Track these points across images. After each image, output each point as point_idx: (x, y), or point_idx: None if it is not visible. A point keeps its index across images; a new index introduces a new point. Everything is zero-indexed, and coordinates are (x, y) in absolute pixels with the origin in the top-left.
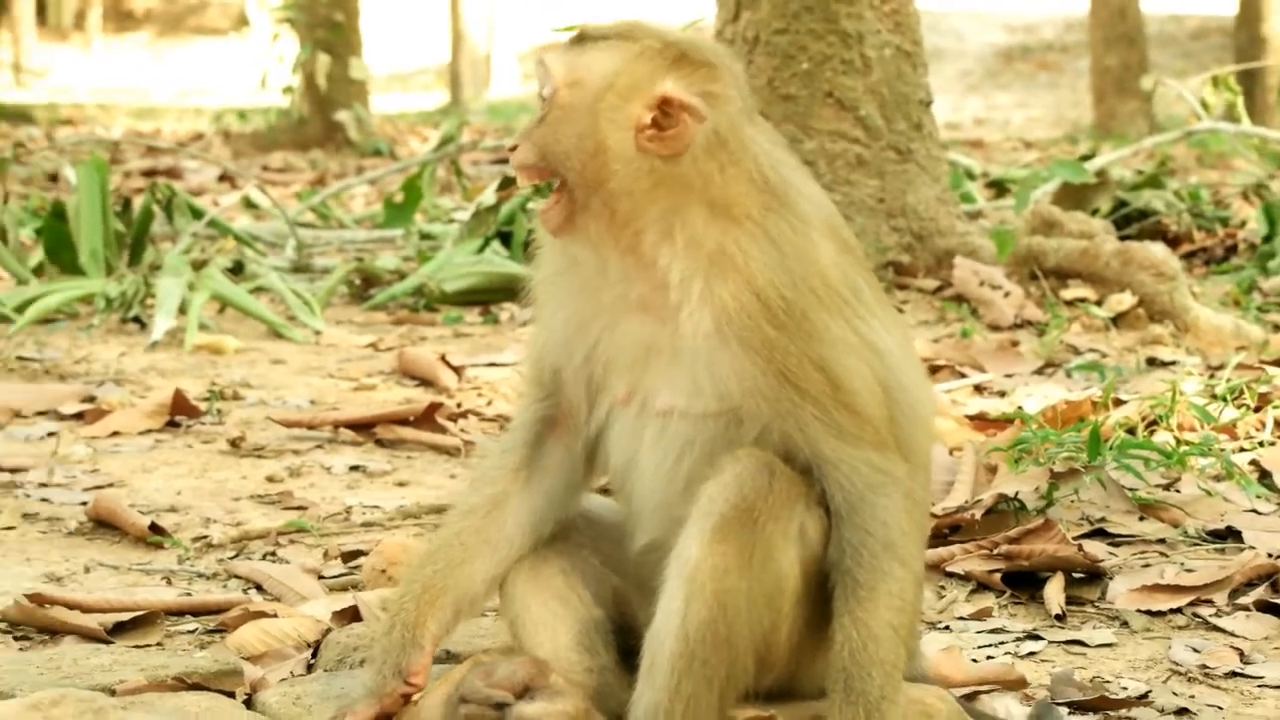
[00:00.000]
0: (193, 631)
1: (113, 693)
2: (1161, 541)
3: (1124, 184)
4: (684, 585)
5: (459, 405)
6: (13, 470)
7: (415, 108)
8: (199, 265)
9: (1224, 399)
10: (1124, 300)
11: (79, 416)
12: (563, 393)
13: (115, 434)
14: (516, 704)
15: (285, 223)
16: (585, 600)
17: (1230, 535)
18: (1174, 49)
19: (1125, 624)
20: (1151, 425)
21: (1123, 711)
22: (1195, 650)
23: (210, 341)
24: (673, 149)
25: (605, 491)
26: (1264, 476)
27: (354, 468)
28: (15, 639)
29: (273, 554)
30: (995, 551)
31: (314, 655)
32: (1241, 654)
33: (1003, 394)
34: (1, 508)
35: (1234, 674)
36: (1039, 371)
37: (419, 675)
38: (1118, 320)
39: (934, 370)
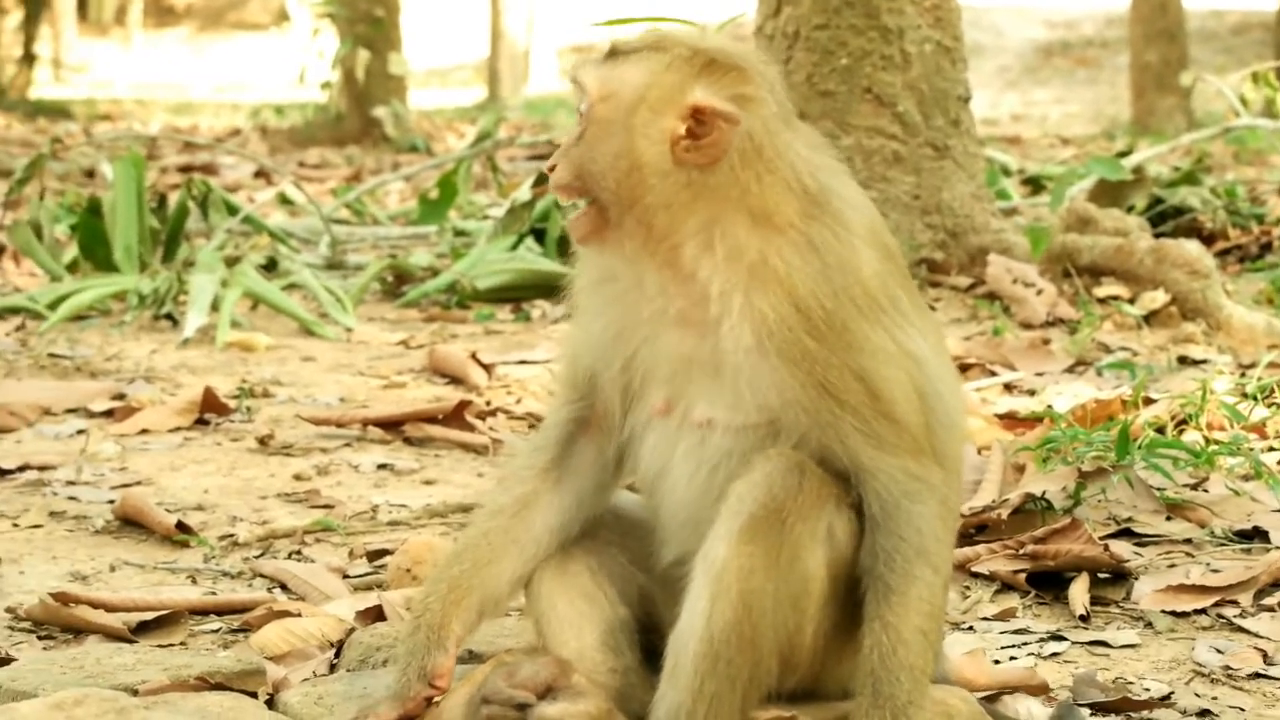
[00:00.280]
0: (216, 631)
1: (135, 692)
2: (1188, 542)
3: (1160, 181)
4: (710, 585)
5: (488, 403)
6: (41, 468)
7: (453, 103)
8: (232, 262)
9: (1255, 398)
10: (1157, 298)
11: (109, 414)
12: (597, 396)
13: (144, 432)
14: (538, 705)
15: (320, 219)
16: (611, 599)
17: (1257, 535)
18: (1215, 44)
19: (1149, 625)
20: (1181, 424)
21: (1145, 713)
22: (1219, 651)
23: (242, 339)
24: (710, 157)
25: (633, 488)
26: None
27: (382, 466)
28: (39, 638)
29: (298, 553)
30: (1021, 551)
31: (337, 655)
32: (1265, 655)
33: (1033, 392)
34: (29, 506)
35: (1257, 675)
36: (1070, 370)
37: (444, 678)
38: (1150, 318)
39: (964, 368)
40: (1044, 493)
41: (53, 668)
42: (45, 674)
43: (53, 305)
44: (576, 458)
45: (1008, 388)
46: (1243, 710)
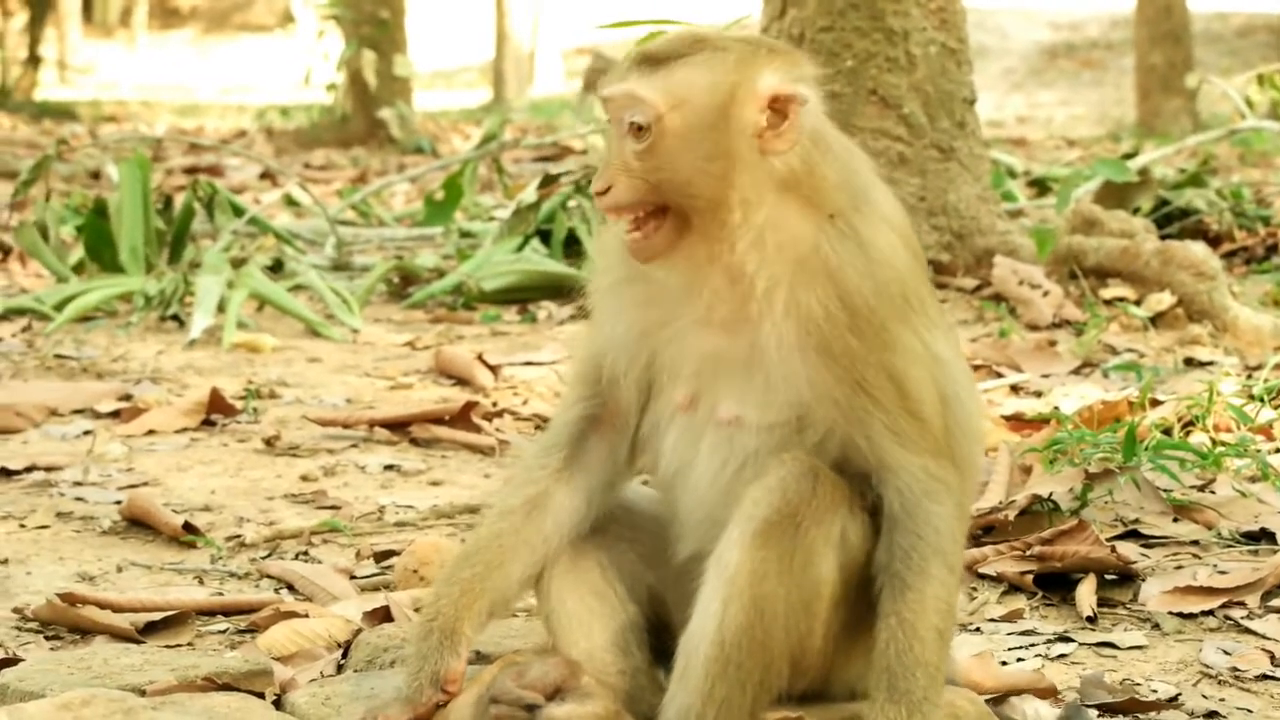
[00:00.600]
0: (224, 631)
1: (143, 693)
2: (1195, 543)
3: (1166, 183)
4: (722, 588)
5: (494, 404)
6: (48, 469)
7: (458, 105)
8: (238, 263)
9: (1261, 399)
10: (1163, 300)
11: (115, 415)
12: (613, 393)
13: (151, 432)
14: (547, 706)
15: (325, 220)
16: (621, 597)
17: (1264, 537)
18: (1220, 46)
19: (1156, 626)
20: (1188, 426)
21: (1152, 714)
22: (1226, 653)
23: (248, 340)
24: (790, 141)
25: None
26: None
27: (388, 467)
28: (46, 638)
29: (305, 554)
30: (1028, 553)
31: (344, 656)
32: (1272, 657)
33: (1039, 394)
34: (36, 506)
35: (1265, 677)
36: (1076, 371)
37: (455, 683)
38: (1156, 320)
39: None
40: (1051, 494)
41: (60, 668)
42: (52, 674)
43: (59, 306)
44: (588, 456)
45: (1014, 389)
46: (1250, 712)
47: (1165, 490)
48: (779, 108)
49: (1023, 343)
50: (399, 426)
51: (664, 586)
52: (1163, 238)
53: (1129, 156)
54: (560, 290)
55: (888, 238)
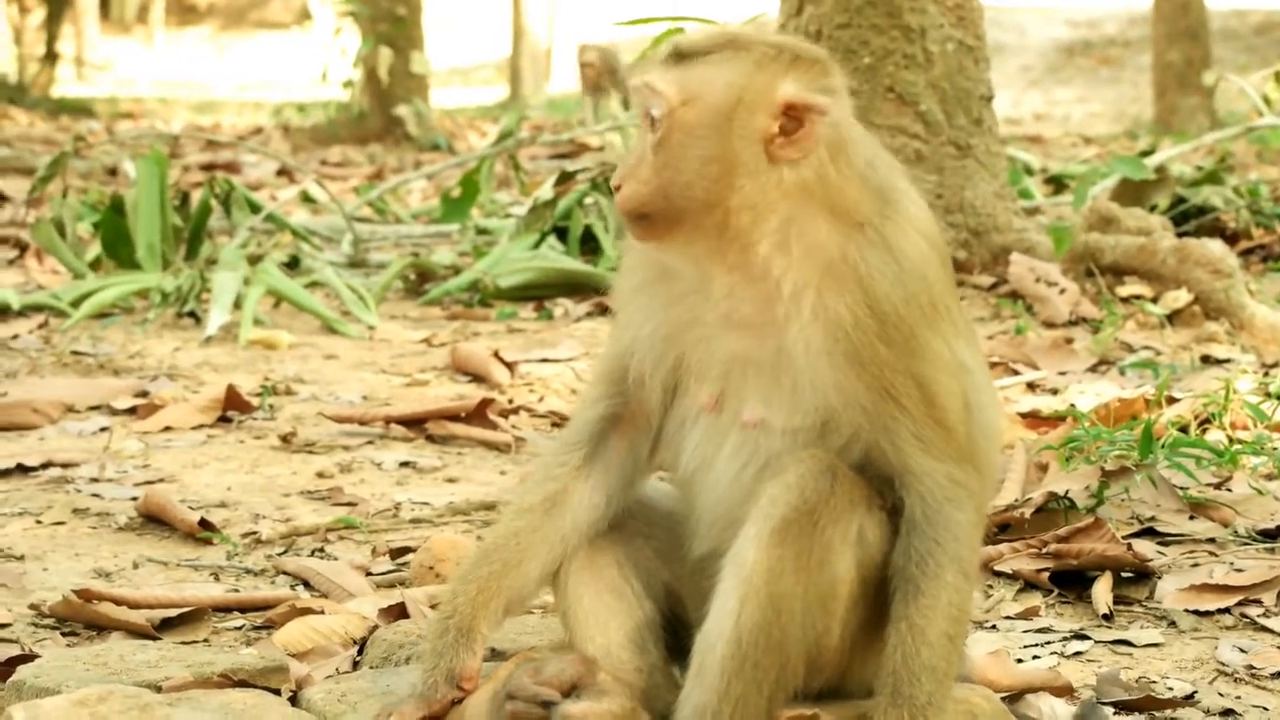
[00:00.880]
0: (240, 628)
1: (159, 689)
2: (1211, 541)
3: (1183, 180)
4: (739, 587)
5: (511, 401)
6: (65, 465)
7: (475, 102)
8: (255, 260)
9: (1278, 397)
10: (1180, 297)
11: (132, 411)
12: (638, 393)
13: (167, 429)
14: (563, 702)
15: (342, 217)
16: (638, 593)
17: None
18: (1237, 44)
19: (1173, 624)
20: (1204, 424)
21: (1168, 712)
22: (1242, 651)
23: (264, 336)
24: (803, 151)
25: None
26: None
27: (404, 464)
28: (63, 635)
29: (321, 550)
30: (1044, 550)
31: (360, 652)
32: None
33: (1055, 391)
34: (52, 503)
35: None
36: (1093, 369)
37: (471, 681)
38: (1173, 317)
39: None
40: (1067, 492)
41: (76, 664)
42: (69, 671)
43: (76, 303)
44: (608, 455)
45: (1030, 387)
46: (1266, 709)
47: (1182, 488)
48: (795, 115)
49: (1039, 340)
50: (415, 423)
51: (680, 583)
52: (1180, 235)
53: (1146, 154)
54: (577, 287)
55: (917, 245)
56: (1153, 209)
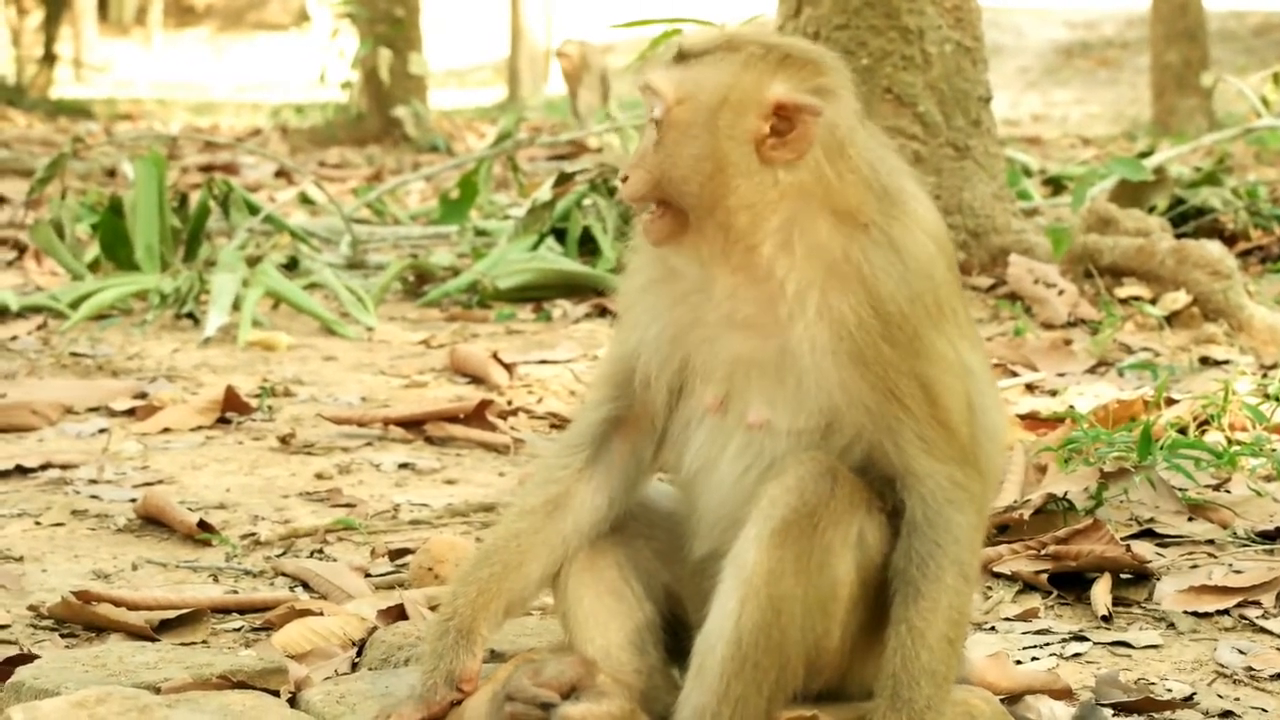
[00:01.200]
0: (238, 629)
1: (158, 690)
2: (1210, 542)
3: (1182, 181)
4: (739, 588)
5: (509, 403)
6: (63, 467)
7: (473, 103)
8: (254, 261)
9: (1277, 398)
10: (1178, 299)
11: (130, 413)
12: (643, 396)
13: (166, 430)
14: (562, 704)
15: (341, 219)
16: (639, 595)
17: (1279, 536)
18: (1235, 45)
19: (1172, 625)
20: (1203, 425)
21: (1167, 713)
22: (1241, 652)
23: (263, 338)
24: (796, 152)
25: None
26: None
27: (403, 465)
28: (62, 636)
29: (320, 551)
30: (1043, 552)
31: (359, 654)
32: None
33: (1054, 393)
34: (51, 504)
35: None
36: (1091, 370)
37: (470, 682)
38: (1172, 319)
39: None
40: (1066, 493)
41: (75, 666)
42: (68, 672)
43: (74, 304)
44: (611, 457)
45: (1029, 388)
46: (1265, 711)
47: (1180, 489)
48: (786, 116)
49: (1038, 341)
50: (414, 425)
51: (680, 585)
52: (1178, 236)
53: (1144, 155)
54: (575, 288)
55: (923, 245)
56: (1151, 210)
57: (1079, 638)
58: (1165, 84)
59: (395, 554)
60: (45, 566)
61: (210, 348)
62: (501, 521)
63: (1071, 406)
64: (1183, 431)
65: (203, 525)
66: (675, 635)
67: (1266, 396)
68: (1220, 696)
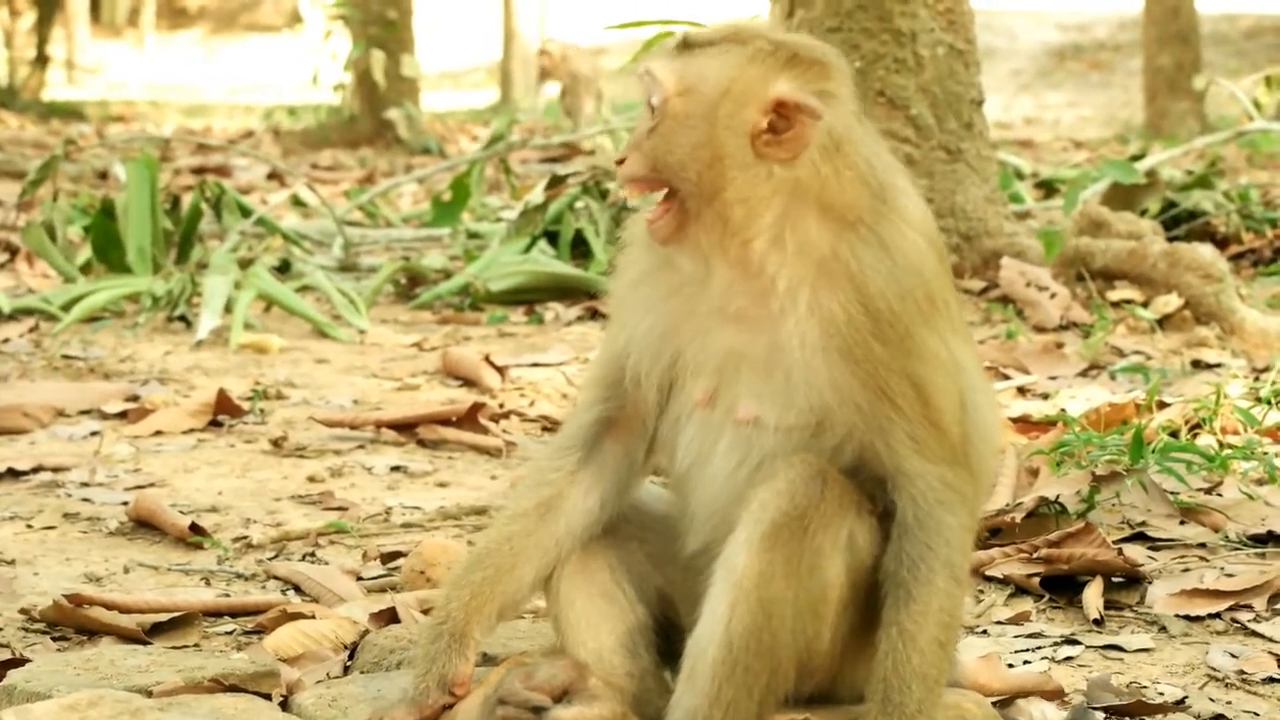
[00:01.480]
0: (230, 633)
1: (149, 694)
2: (1202, 546)
3: (1174, 184)
4: (729, 591)
5: (502, 406)
6: (55, 469)
7: (466, 105)
8: (246, 264)
9: (1269, 402)
10: (1170, 302)
11: (122, 415)
12: (634, 395)
13: (158, 433)
14: (553, 707)
15: (333, 221)
16: (631, 598)
17: (1271, 540)
18: (1228, 48)
19: (1163, 629)
20: (1195, 428)
21: (1159, 717)
22: (1233, 656)
23: (255, 340)
24: (791, 151)
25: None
26: None
27: (395, 468)
28: (53, 639)
29: (312, 555)
30: (1035, 555)
31: (351, 657)
32: (1279, 660)
33: (1046, 396)
34: (43, 507)
35: (1271, 680)
36: (1083, 374)
37: (463, 686)
38: (1164, 322)
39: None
40: (1058, 496)
41: (67, 669)
42: (59, 675)
43: (66, 307)
44: (603, 459)
45: (1021, 391)
46: (1257, 715)
47: (1172, 493)
48: (785, 114)
49: (1030, 345)
50: (406, 428)
51: (673, 587)
52: (1170, 240)
53: (1136, 158)
54: (567, 291)
55: (913, 241)
56: (1143, 213)
57: (1071, 641)
58: (1157, 87)
59: (387, 557)
60: (37, 569)
61: (202, 350)
62: (494, 524)
63: (1063, 410)
64: (1174, 435)
65: (194, 528)
66: (668, 638)
67: (1258, 400)
68: (1212, 700)
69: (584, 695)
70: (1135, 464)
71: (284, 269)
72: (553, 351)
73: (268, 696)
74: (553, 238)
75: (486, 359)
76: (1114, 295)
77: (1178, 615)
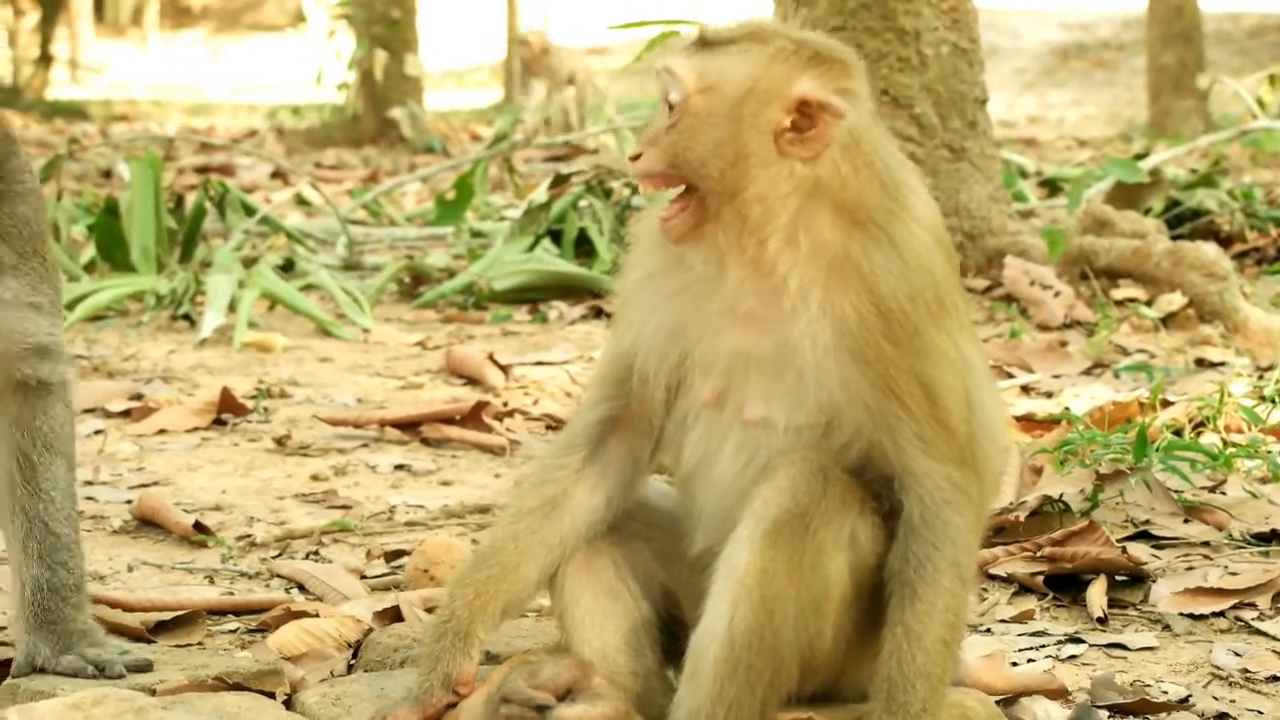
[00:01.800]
0: (234, 631)
1: (153, 692)
2: (1206, 544)
3: (1177, 183)
4: (732, 589)
5: (505, 404)
6: None
7: (470, 105)
8: (250, 262)
9: (1272, 400)
10: (1174, 300)
11: (126, 414)
12: (639, 394)
13: (162, 432)
14: (557, 706)
15: (337, 220)
16: (635, 595)
17: (1275, 538)
18: (1231, 47)
19: (1167, 627)
20: (1199, 427)
21: (1163, 715)
22: (1237, 654)
23: (259, 339)
24: (814, 150)
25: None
26: None
27: (399, 467)
28: None
29: (316, 553)
30: (1039, 554)
31: (355, 655)
32: None
33: (1050, 395)
34: None
35: (1275, 678)
36: (1087, 372)
37: (468, 685)
38: (1167, 321)
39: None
40: (1061, 495)
41: None
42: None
43: (70, 305)
44: (608, 457)
45: (1025, 390)
46: (1261, 713)
47: (1176, 491)
48: (808, 113)
49: (1034, 343)
50: (410, 426)
51: (678, 585)
52: (1174, 238)
53: (1140, 157)
54: (571, 290)
55: (922, 241)
56: (1147, 212)
57: (1075, 639)
58: (1161, 86)
59: (391, 555)
60: None
61: (206, 349)
62: (499, 523)
63: (1067, 408)
64: (1178, 433)
65: (198, 527)
66: (672, 635)
67: (1262, 398)
68: (1216, 698)
69: (587, 694)
70: (1139, 462)
71: (288, 268)
72: (556, 350)
73: (271, 695)
74: (556, 236)
75: (490, 358)
76: (1118, 294)
77: (1181, 614)
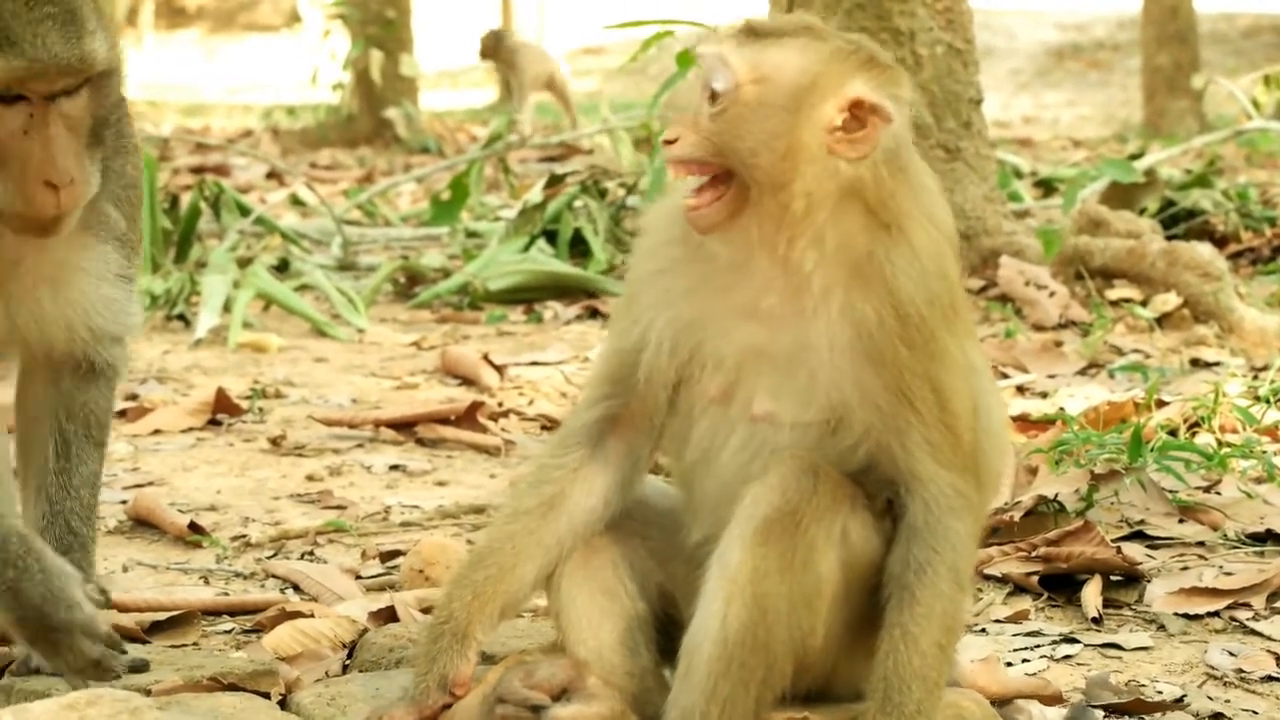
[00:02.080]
0: (229, 631)
1: (148, 693)
2: (1201, 544)
3: (1172, 183)
4: (724, 587)
5: (500, 404)
6: None
7: (464, 105)
8: (245, 263)
9: (1267, 401)
10: (1169, 301)
11: (121, 414)
12: (642, 390)
13: (157, 432)
14: (552, 706)
15: (332, 220)
16: (632, 594)
17: (1270, 538)
18: (1226, 47)
19: (1162, 627)
20: (1194, 427)
21: (1158, 715)
22: (1232, 654)
23: (254, 339)
24: (860, 151)
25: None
26: None
27: (394, 467)
28: None
29: (311, 553)
30: (1034, 554)
31: (350, 656)
32: (1278, 658)
33: (1045, 395)
34: None
35: (1270, 678)
36: (1082, 372)
37: (464, 686)
38: (1162, 321)
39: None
40: (1056, 495)
41: None
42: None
43: None
44: (606, 457)
45: (1020, 390)
46: (1255, 713)
47: (1171, 491)
48: (859, 114)
49: (1028, 343)
50: (405, 426)
51: (675, 583)
52: (1169, 238)
53: (1135, 157)
54: (566, 290)
55: (938, 244)
56: (1142, 212)
57: (1069, 640)
58: (1156, 86)
59: (386, 556)
60: None
61: (201, 349)
62: (495, 523)
63: (1062, 408)
64: (1173, 433)
65: (193, 527)
66: (668, 634)
67: (1257, 398)
68: (1211, 698)
69: (583, 694)
70: (1134, 462)
71: (283, 268)
72: (551, 350)
73: (266, 695)
74: (551, 237)
75: (485, 358)
76: (1113, 294)
77: (1176, 614)
